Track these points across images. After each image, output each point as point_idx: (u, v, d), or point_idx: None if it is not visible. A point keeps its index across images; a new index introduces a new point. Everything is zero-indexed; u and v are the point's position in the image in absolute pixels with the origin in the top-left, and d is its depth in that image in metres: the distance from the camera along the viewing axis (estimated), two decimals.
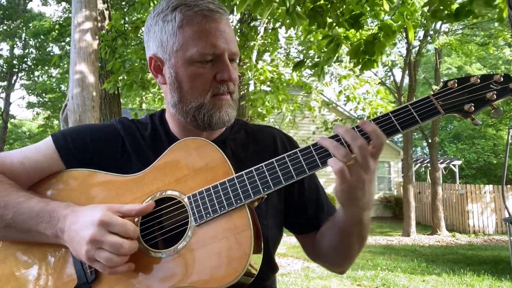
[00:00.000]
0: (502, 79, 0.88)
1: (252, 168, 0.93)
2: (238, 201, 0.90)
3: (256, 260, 0.89)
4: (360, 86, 9.09)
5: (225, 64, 1.02)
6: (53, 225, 0.93)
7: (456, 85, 0.90)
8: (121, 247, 0.86)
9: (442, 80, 0.95)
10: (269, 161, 0.93)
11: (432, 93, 0.92)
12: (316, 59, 4.90)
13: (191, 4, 1.01)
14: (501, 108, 0.89)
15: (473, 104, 0.88)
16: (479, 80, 0.89)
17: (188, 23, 1.00)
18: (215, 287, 0.85)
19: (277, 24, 6.74)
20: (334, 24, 3.63)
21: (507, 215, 7.02)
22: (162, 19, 1.03)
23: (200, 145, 0.99)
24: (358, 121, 0.91)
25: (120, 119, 1.17)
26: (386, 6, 3.69)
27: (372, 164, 0.86)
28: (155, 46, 1.06)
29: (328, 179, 14.33)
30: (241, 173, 0.93)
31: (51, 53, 18.90)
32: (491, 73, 0.90)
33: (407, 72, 13.70)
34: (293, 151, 0.92)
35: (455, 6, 3.17)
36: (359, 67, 3.91)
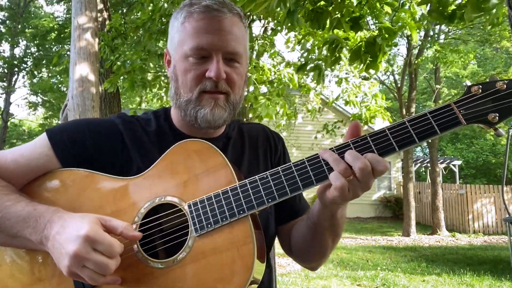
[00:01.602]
0: None
1: (256, 176, 0.90)
2: (241, 212, 0.87)
3: (260, 269, 0.88)
4: (359, 90, 9.04)
5: (215, 61, 1.02)
6: (38, 231, 0.90)
7: (480, 91, 0.81)
8: (107, 268, 0.83)
9: (465, 84, 0.84)
10: (274, 169, 0.90)
11: (453, 100, 0.84)
12: (316, 62, 4.89)
13: (195, 2, 1.05)
14: None
15: (497, 114, 0.79)
16: (505, 86, 0.80)
17: (188, 20, 1.05)
18: None
19: (278, 27, 6.73)
20: (334, 26, 3.63)
21: (507, 215, 7.02)
22: (174, 17, 1.10)
23: (201, 148, 0.96)
24: (351, 142, 0.86)
25: (120, 115, 1.16)
26: (388, 9, 3.69)
27: (371, 183, 0.84)
28: (168, 41, 1.13)
29: None
30: (244, 181, 0.90)
31: (52, 53, 18.87)
32: None
33: (407, 72, 13.70)
34: (300, 160, 0.89)
35: (451, 8, 3.17)
36: (361, 67, 3.90)
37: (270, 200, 0.87)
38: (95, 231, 0.83)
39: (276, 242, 1.24)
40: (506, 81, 0.81)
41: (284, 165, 0.90)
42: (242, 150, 1.16)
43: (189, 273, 0.87)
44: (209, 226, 0.88)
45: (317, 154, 0.87)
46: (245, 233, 0.86)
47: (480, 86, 0.82)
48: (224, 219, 0.88)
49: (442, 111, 0.82)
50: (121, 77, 5.94)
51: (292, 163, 0.89)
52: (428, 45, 13.29)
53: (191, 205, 0.91)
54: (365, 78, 9.86)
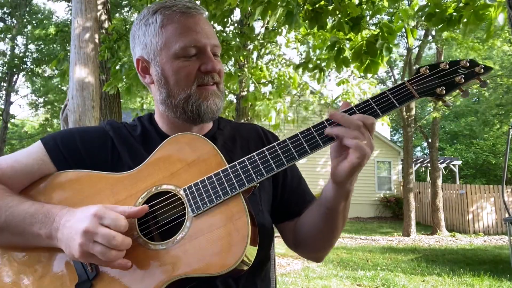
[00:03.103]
0: (468, 64, 0.96)
1: (244, 157, 0.97)
2: (233, 190, 0.93)
3: (252, 250, 0.91)
4: (360, 90, 9.03)
5: (208, 56, 1.08)
6: (47, 224, 0.94)
7: (428, 71, 0.97)
8: (113, 239, 0.86)
9: (415, 67, 0.99)
10: (260, 150, 0.96)
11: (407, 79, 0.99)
12: (317, 62, 4.89)
13: (170, 5, 1.08)
14: (469, 91, 0.96)
15: (444, 88, 0.94)
16: (448, 66, 0.97)
17: (168, 22, 1.07)
18: (216, 272, 0.87)
19: (275, 25, 6.71)
20: (334, 26, 3.62)
21: (507, 215, 7.02)
22: (145, 24, 1.10)
23: (191, 139, 1.02)
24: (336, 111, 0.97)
25: (109, 121, 1.20)
26: (386, 3, 3.68)
27: (371, 140, 0.91)
28: (140, 49, 1.12)
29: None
30: (233, 163, 0.97)
31: (53, 53, 18.80)
32: (458, 59, 0.97)
33: (407, 71, 13.69)
34: (282, 140, 0.97)
35: (450, 11, 3.17)
36: (361, 68, 3.89)
37: (259, 177, 0.94)
38: (101, 209, 0.90)
39: (276, 243, 1.25)
40: (448, 62, 0.97)
41: (268, 146, 0.97)
42: (232, 151, 1.18)
43: (189, 250, 0.91)
44: (204, 205, 0.94)
45: (297, 133, 0.96)
46: (238, 208, 0.92)
47: (427, 67, 0.98)
48: (218, 198, 0.94)
49: (398, 89, 0.96)
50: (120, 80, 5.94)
51: (276, 143, 0.97)
52: (431, 40, 13.20)
53: (186, 189, 0.97)
54: (365, 77, 9.86)
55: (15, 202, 0.98)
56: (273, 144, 0.96)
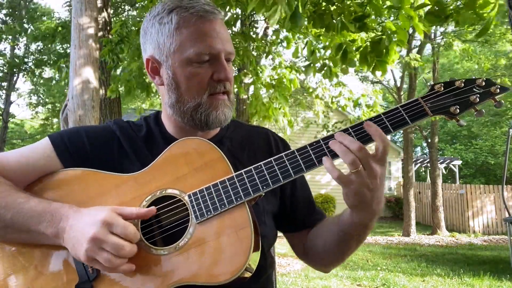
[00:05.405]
0: (484, 83, 0.93)
1: (251, 167, 0.96)
2: (238, 199, 0.93)
3: (255, 257, 0.91)
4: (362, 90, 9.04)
5: (222, 64, 1.05)
6: (54, 224, 0.93)
7: (442, 88, 0.95)
8: (122, 249, 0.86)
9: (429, 84, 0.97)
10: (268, 160, 0.96)
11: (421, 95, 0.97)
12: (324, 62, 4.88)
13: (187, 6, 1.04)
14: (483, 110, 0.93)
15: (458, 107, 0.93)
16: (463, 84, 0.94)
17: (184, 24, 1.03)
18: (217, 282, 0.87)
19: (277, 26, 6.69)
20: (339, 26, 3.60)
21: (507, 215, 7.02)
22: (159, 22, 1.06)
23: (199, 144, 1.02)
24: (364, 122, 0.94)
25: (115, 120, 1.19)
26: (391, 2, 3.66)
27: (377, 168, 0.87)
28: (152, 48, 1.08)
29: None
30: (240, 171, 0.96)
31: (53, 53, 18.73)
32: (474, 77, 0.95)
33: (406, 72, 13.68)
34: (290, 151, 0.95)
35: (449, 11, 3.17)
36: (370, 69, 3.86)
37: (265, 187, 0.94)
38: (112, 216, 0.89)
39: (276, 243, 1.25)
40: (463, 80, 0.95)
41: (276, 156, 0.96)
42: (239, 158, 1.15)
43: (191, 257, 0.91)
44: (208, 213, 0.94)
45: (306, 145, 0.95)
46: (242, 218, 0.92)
47: (442, 84, 0.96)
48: (223, 206, 0.93)
49: (411, 105, 0.94)
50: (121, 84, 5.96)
51: (283, 154, 0.96)
52: (441, 45, 13.16)
53: (191, 195, 0.96)
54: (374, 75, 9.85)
55: (21, 199, 0.98)
56: (281, 155, 0.95)
